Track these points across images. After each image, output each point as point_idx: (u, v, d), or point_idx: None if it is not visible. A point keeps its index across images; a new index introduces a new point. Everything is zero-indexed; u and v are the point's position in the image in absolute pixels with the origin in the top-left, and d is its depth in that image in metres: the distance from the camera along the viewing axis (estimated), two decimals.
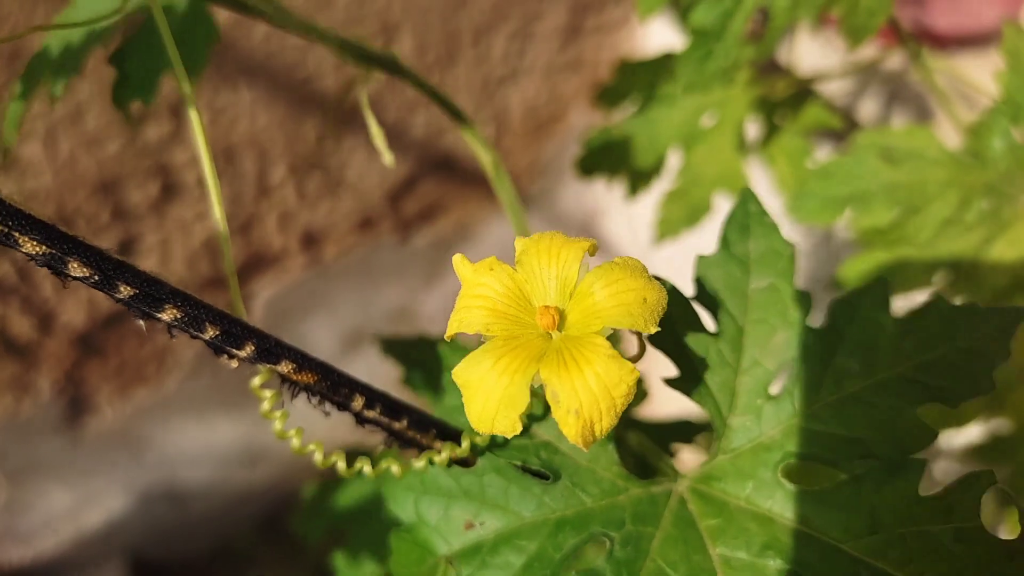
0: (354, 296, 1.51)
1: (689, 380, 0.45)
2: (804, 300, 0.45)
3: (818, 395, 0.44)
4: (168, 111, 1.10)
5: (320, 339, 1.50)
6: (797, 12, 0.66)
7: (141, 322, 0.35)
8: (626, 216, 1.60)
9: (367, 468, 0.40)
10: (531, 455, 0.43)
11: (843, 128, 0.92)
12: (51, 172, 1.09)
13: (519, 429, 0.36)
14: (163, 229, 1.23)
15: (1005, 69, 0.68)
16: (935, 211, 0.68)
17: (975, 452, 0.81)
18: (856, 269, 0.70)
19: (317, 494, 0.82)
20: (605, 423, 0.35)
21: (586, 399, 0.35)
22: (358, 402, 0.39)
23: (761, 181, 0.92)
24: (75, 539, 1.41)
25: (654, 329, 0.37)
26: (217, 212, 0.38)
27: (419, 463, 0.41)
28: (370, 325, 1.55)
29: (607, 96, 0.89)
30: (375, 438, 0.42)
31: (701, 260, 0.47)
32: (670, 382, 0.46)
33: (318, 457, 0.40)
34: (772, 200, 0.89)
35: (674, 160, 0.91)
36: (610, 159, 0.88)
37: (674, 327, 0.45)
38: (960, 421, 0.72)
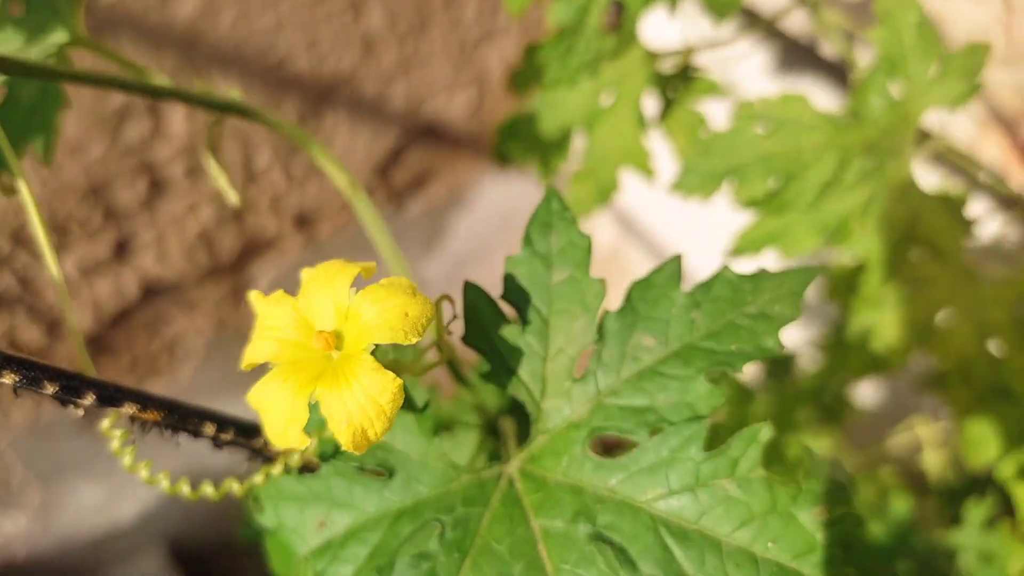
0: None
1: (500, 373, 0.48)
2: (600, 287, 0.48)
3: (619, 373, 0.47)
4: (146, 109, 1.13)
5: None
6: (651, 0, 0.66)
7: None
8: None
9: (235, 487, 0.43)
10: (367, 457, 0.47)
11: None
12: (38, 182, 1.13)
13: (307, 442, 0.39)
14: (156, 225, 1.27)
15: (880, 27, 0.67)
16: (813, 176, 0.68)
17: (921, 381, 0.83)
18: (748, 238, 0.71)
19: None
20: (378, 427, 0.39)
21: (355, 409, 0.38)
22: (210, 428, 0.42)
23: (664, 154, 0.92)
24: (111, 532, 1.46)
25: (415, 340, 0.40)
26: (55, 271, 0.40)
27: (258, 478, 0.44)
28: None
29: (517, 81, 0.89)
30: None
31: (509, 260, 0.50)
32: (483, 376, 0.49)
33: (185, 490, 0.42)
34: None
35: (581, 141, 0.91)
36: (520, 144, 0.89)
37: (484, 326, 0.49)
38: (894, 363, 0.73)
